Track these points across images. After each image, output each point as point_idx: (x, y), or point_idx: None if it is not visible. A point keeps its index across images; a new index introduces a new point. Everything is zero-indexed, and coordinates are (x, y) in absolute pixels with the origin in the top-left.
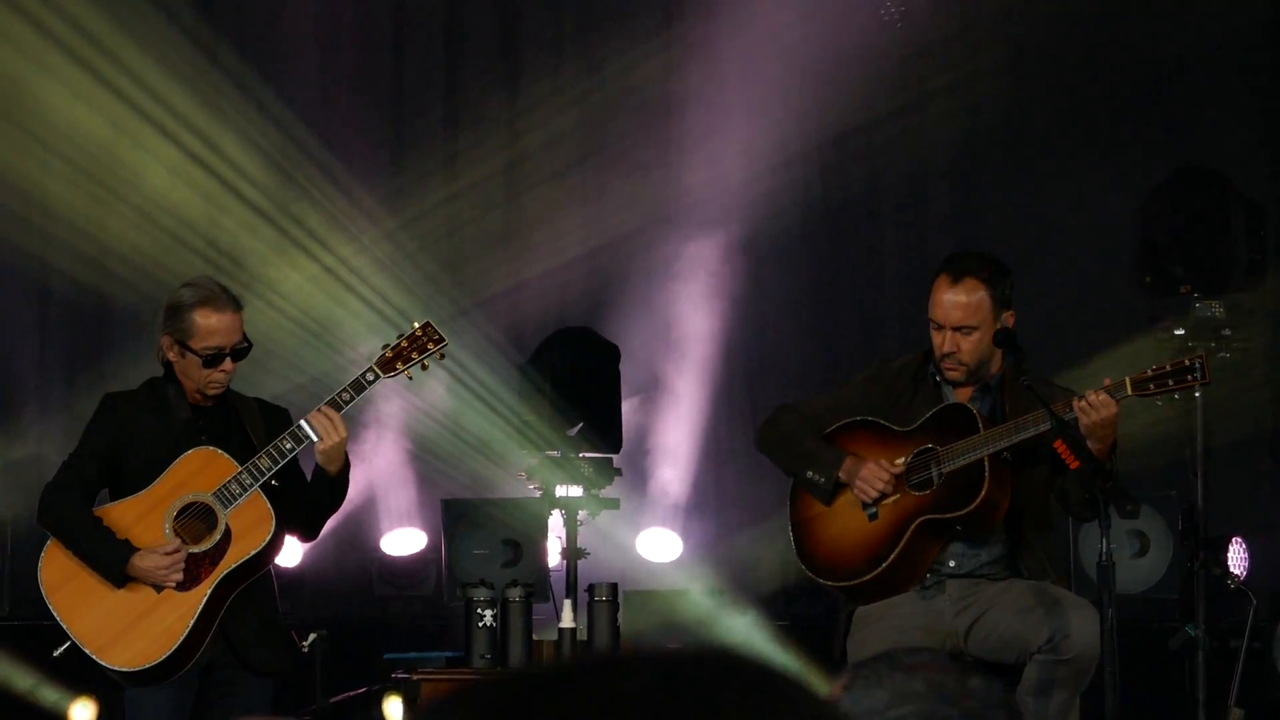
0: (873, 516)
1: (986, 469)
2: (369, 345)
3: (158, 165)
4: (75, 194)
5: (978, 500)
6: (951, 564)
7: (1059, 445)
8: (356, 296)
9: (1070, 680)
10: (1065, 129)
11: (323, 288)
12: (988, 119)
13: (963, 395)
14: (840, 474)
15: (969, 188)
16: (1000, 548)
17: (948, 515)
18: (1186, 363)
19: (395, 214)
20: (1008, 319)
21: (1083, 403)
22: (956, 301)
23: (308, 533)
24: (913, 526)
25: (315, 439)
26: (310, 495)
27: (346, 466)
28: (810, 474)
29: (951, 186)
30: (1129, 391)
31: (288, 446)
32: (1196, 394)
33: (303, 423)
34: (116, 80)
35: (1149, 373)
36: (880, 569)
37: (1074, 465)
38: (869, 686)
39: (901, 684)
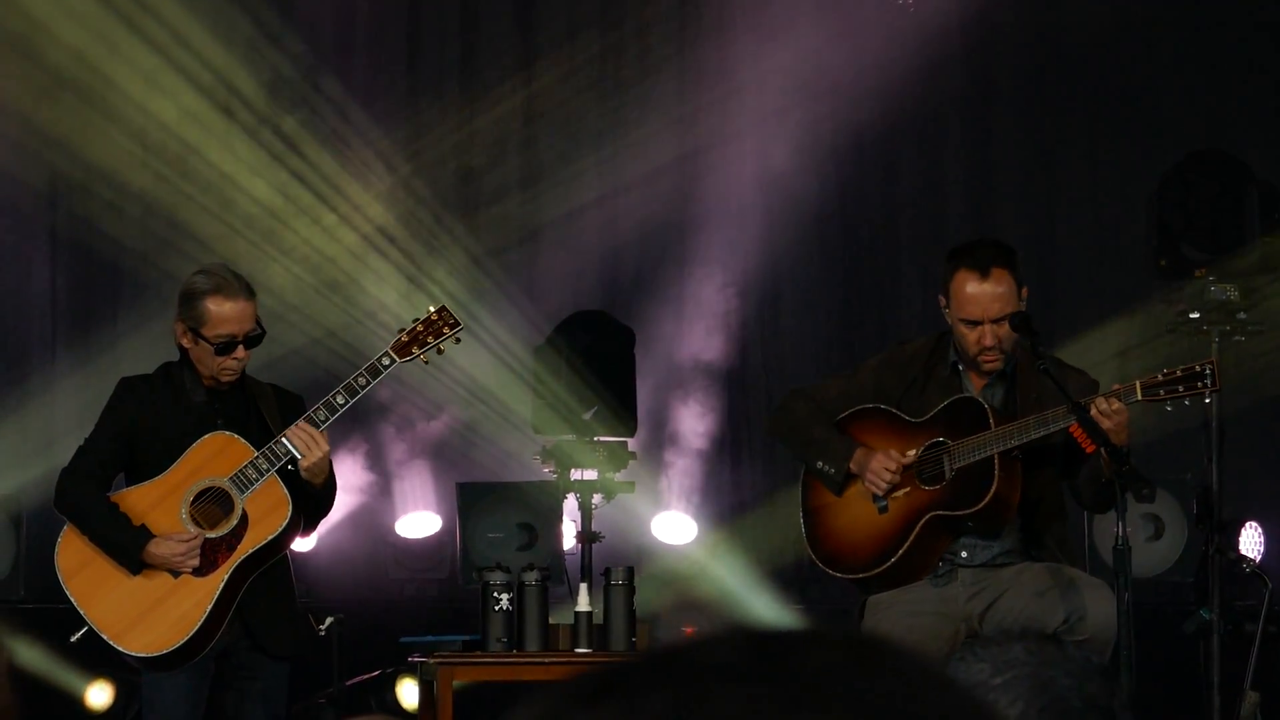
0: (883, 509)
1: (996, 467)
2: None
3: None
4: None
5: (987, 498)
6: (964, 555)
7: (1075, 430)
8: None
9: None
10: (1079, 113)
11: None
12: (1003, 103)
13: (976, 383)
14: (851, 465)
15: (985, 171)
16: (1013, 539)
17: (957, 513)
18: (1197, 368)
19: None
20: (1023, 293)
21: (1094, 411)
22: (994, 293)
23: (306, 528)
24: (922, 522)
25: (296, 455)
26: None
27: (331, 480)
28: (820, 464)
29: (967, 171)
30: (1139, 396)
31: (280, 450)
32: (1206, 400)
33: (283, 438)
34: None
35: (1159, 377)
36: (888, 564)
37: (1090, 450)
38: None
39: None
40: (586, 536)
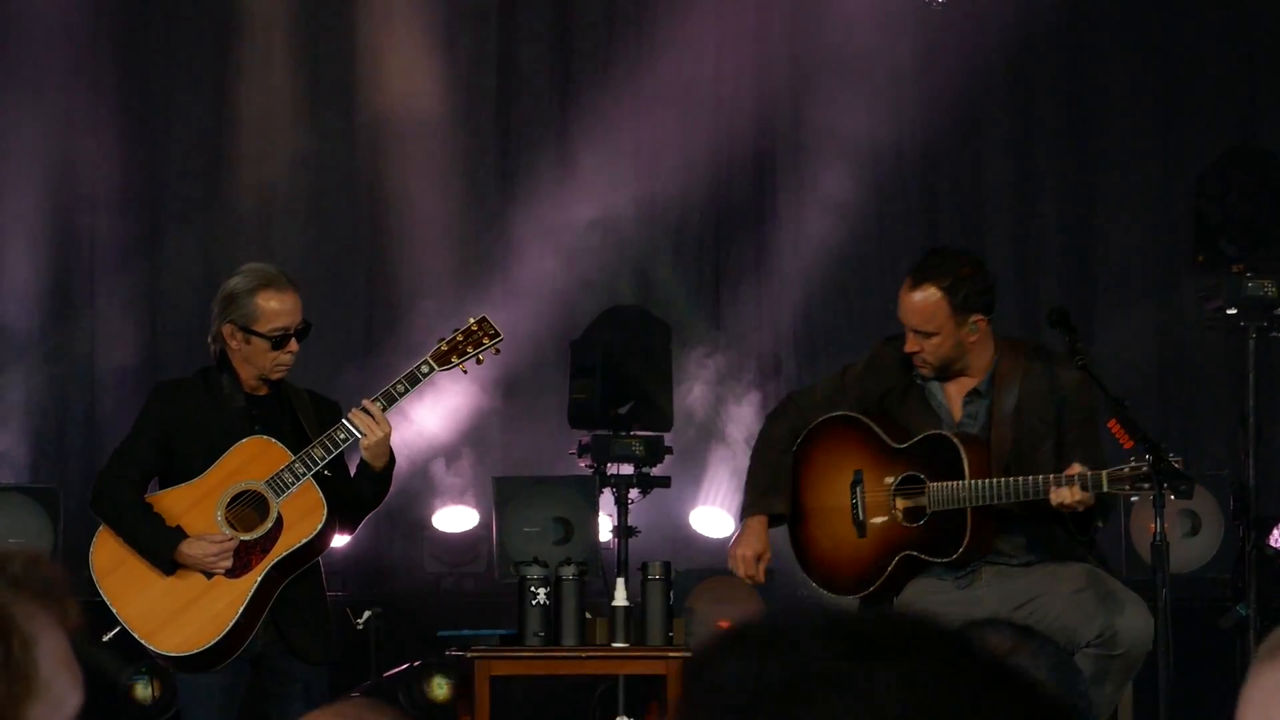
0: (861, 534)
1: (969, 523)
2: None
3: None
4: None
5: (959, 552)
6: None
7: (1114, 426)
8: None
9: (1121, 672)
10: (1120, 107)
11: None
12: (1042, 94)
13: (955, 393)
14: (740, 535)
15: (1024, 161)
16: (1025, 549)
17: (932, 559)
18: (1145, 471)
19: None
20: (977, 323)
21: (1066, 498)
22: (912, 305)
23: (347, 526)
24: (897, 559)
25: (359, 435)
26: (354, 489)
27: (391, 462)
28: (744, 501)
29: (1007, 167)
30: (1105, 487)
31: (341, 437)
32: (1173, 496)
33: (345, 421)
34: None
35: (1126, 471)
36: (867, 592)
37: (1128, 445)
38: None
39: None
40: (622, 531)
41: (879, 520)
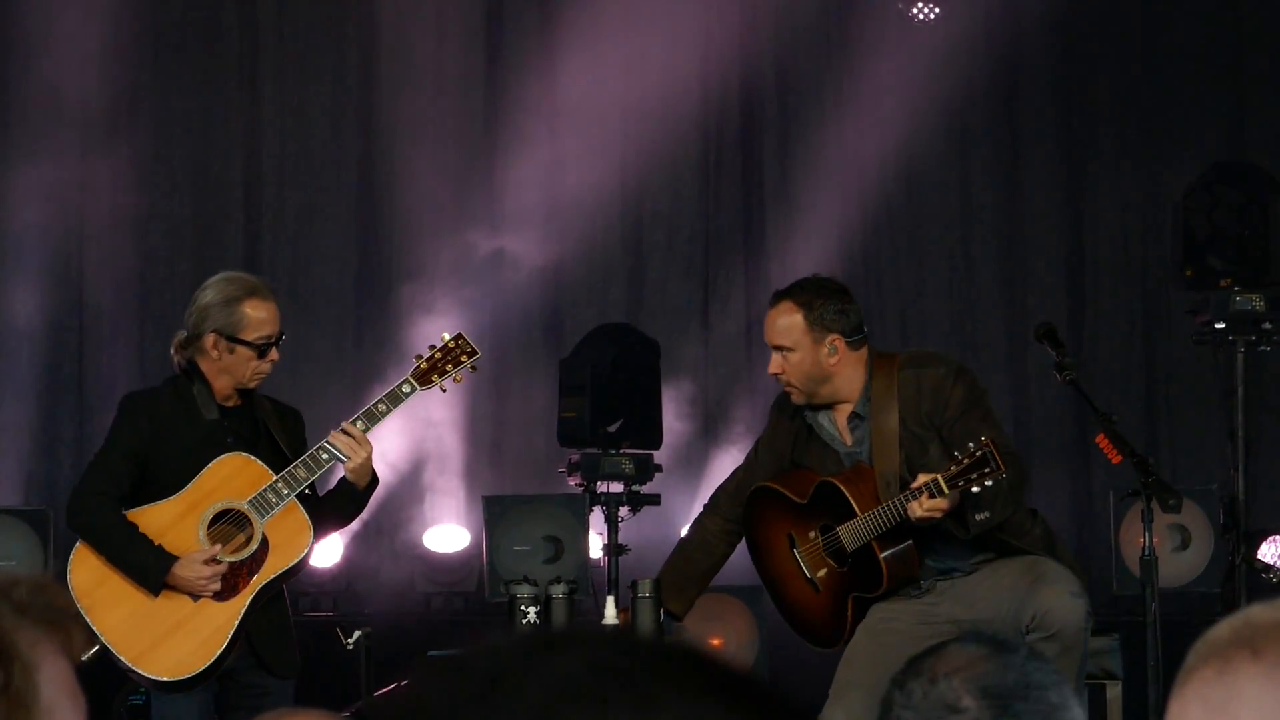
0: (816, 590)
1: (878, 552)
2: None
3: None
4: None
5: (884, 583)
6: (929, 561)
7: (1101, 440)
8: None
9: (1064, 656)
10: (1107, 121)
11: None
12: (1029, 110)
13: (841, 420)
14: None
15: (1011, 176)
16: (970, 556)
17: (869, 595)
18: (979, 455)
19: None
20: (835, 343)
21: (919, 511)
22: (770, 321)
23: (316, 539)
24: (849, 602)
25: (342, 459)
26: (331, 506)
27: (374, 481)
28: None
29: (993, 177)
30: (945, 489)
31: (324, 456)
32: (990, 483)
33: (326, 443)
34: None
35: (953, 469)
36: (841, 642)
37: (1116, 460)
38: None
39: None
40: (613, 549)
41: (822, 573)
